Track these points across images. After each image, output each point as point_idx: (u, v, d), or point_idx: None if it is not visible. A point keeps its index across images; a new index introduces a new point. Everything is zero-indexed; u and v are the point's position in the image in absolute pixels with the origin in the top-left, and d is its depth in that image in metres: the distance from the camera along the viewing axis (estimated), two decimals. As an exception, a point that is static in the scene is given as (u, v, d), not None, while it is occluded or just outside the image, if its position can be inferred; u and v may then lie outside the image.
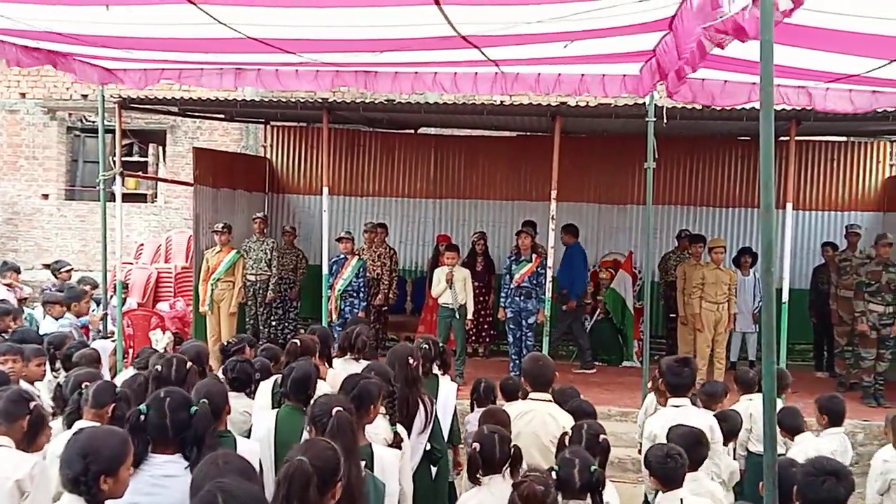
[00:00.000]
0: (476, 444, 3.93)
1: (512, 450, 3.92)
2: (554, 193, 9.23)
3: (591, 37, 5.75)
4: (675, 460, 4.03)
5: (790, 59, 5.75)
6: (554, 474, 3.61)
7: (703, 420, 5.02)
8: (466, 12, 4.71)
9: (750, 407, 6.17)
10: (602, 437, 4.23)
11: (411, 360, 4.92)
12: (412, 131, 13.54)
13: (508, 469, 3.88)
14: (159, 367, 4.54)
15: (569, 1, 4.40)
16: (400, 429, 4.45)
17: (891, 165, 12.92)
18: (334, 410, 3.40)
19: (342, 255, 10.53)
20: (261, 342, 8.19)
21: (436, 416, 4.84)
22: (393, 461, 3.89)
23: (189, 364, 4.62)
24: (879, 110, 8.02)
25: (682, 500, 3.96)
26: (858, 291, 9.66)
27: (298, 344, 5.45)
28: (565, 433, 4.30)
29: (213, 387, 4.14)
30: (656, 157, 8.24)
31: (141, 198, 16.70)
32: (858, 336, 9.75)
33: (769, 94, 3.46)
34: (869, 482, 5.15)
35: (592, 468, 3.64)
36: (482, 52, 6.60)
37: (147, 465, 3.33)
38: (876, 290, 9.53)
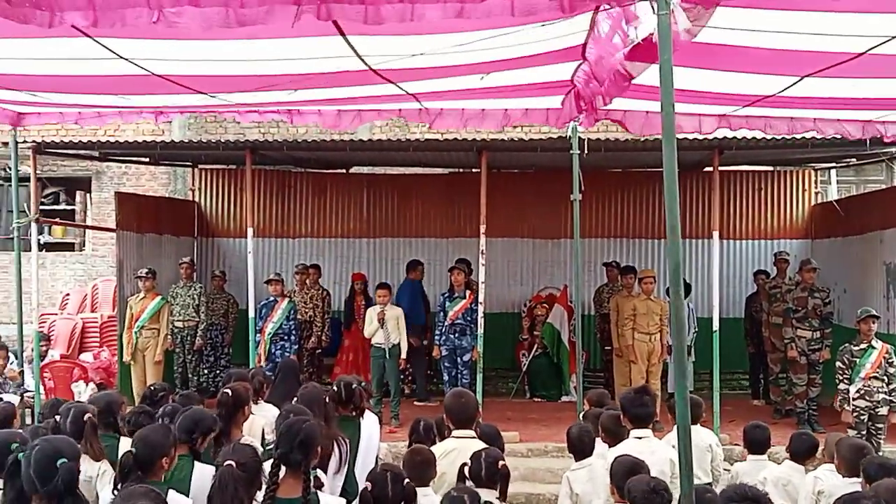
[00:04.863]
0: (368, 484, 3.77)
1: (406, 488, 3.77)
2: (483, 228, 9.16)
3: (505, 68, 5.71)
4: (661, 496, 3.70)
5: (703, 84, 5.77)
6: None
7: (666, 451, 4.89)
8: (370, 43, 4.62)
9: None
10: (501, 462, 4.10)
11: (327, 400, 4.75)
12: (344, 171, 13.42)
13: None
14: (57, 418, 4.35)
15: (472, 29, 4.32)
16: (318, 471, 4.26)
17: (816, 193, 13.18)
18: (225, 463, 3.33)
19: (272, 298, 10.32)
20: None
21: (350, 456, 4.67)
22: None
23: (87, 415, 4.37)
24: (798, 137, 8.13)
25: None
26: (787, 318, 9.73)
27: (230, 394, 4.94)
28: (465, 464, 4.16)
29: (151, 434, 3.90)
30: (582, 189, 8.21)
31: (69, 246, 16.22)
32: (789, 362, 9.80)
33: (670, 115, 3.48)
34: (800, 501, 5.11)
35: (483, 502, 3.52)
36: (398, 87, 6.51)
37: None
38: (803, 316, 9.60)
